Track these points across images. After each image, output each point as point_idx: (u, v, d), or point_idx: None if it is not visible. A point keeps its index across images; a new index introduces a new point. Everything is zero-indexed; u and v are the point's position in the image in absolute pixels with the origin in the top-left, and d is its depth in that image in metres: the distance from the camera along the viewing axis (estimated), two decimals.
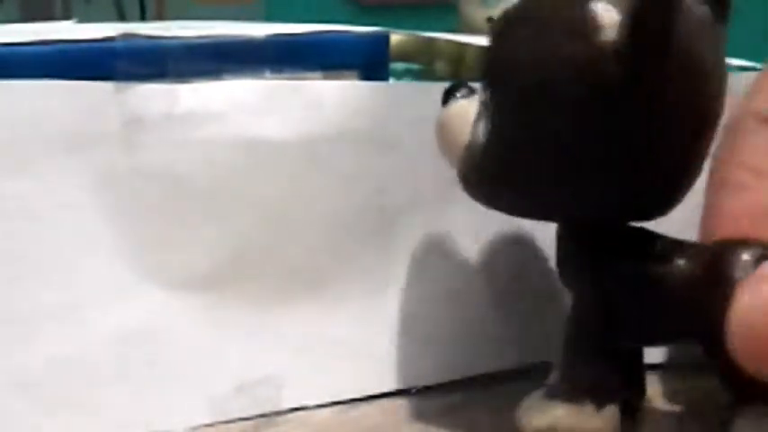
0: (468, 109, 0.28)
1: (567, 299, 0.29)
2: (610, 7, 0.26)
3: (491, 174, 0.28)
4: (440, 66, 0.59)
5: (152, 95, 0.29)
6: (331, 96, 0.31)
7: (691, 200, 0.28)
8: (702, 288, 0.27)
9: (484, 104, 0.28)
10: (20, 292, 0.29)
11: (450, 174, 0.29)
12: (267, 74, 0.32)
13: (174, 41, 0.31)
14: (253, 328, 0.31)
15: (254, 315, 0.31)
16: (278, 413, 0.31)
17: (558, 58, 0.26)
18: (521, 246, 0.30)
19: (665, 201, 0.28)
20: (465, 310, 0.33)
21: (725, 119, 0.28)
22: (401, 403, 0.31)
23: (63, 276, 0.29)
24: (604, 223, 0.28)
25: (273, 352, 0.31)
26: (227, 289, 0.31)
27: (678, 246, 0.28)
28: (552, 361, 0.29)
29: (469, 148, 0.28)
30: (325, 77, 0.32)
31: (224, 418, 0.30)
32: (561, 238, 0.29)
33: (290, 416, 0.31)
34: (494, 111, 0.28)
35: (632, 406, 0.30)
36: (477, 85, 0.28)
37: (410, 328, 0.32)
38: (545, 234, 0.30)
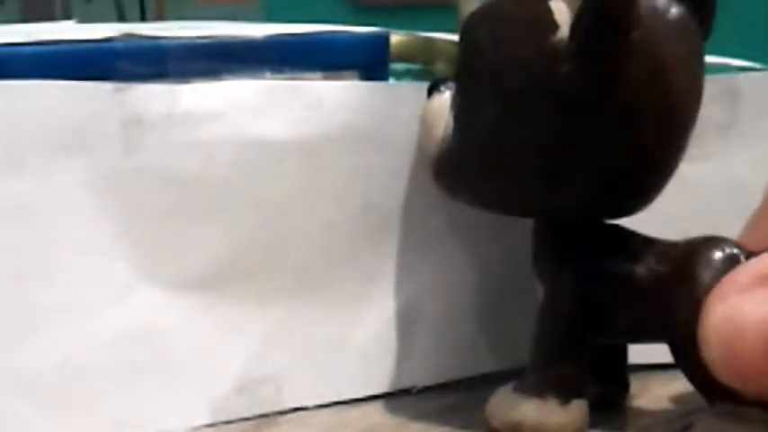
0: (446, 104, 0.29)
1: None
2: (564, 7, 0.26)
3: (460, 169, 0.29)
4: (440, 66, 0.59)
5: (152, 95, 0.29)
6: (331, 96, 0.31)
7: (686, 198, 0.28)
8: (670, 286, 0.27)
9: (454, 100, 0.29)
10: (20, 292, 0.29)
11: None
12: (267, 74, 0.32)
13: (174, 41, 0.31)
14: (253, 328, 0.31)
15: (254, 315, 0.31)
16: (278, 413, 0.31)
17: (516, 56, 0.27)
18: (520, 245, 0.30)
19: (637, 198, 0.28)
20: (465, 310, 0.33)
21: None
22: (401, 403, 0.32)
23: (63, 276, 0.29)
24: (575, 219, 0.29)
25: (273, 352, 0.31)
26: (227, 289, 0.31)
27: (650, 243, 0.28)
28: None
29: (443, 142, 0.29)
30: (325, 77, 0.32)
31: (224, 418, 0.30)
32: (535, 234, 0.30)
33: (290, 416, 0.31)
34: (462, 107, 0.28)
35: (611, 402, 0.30)
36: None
37: (410, 328, 0.32)
38: None
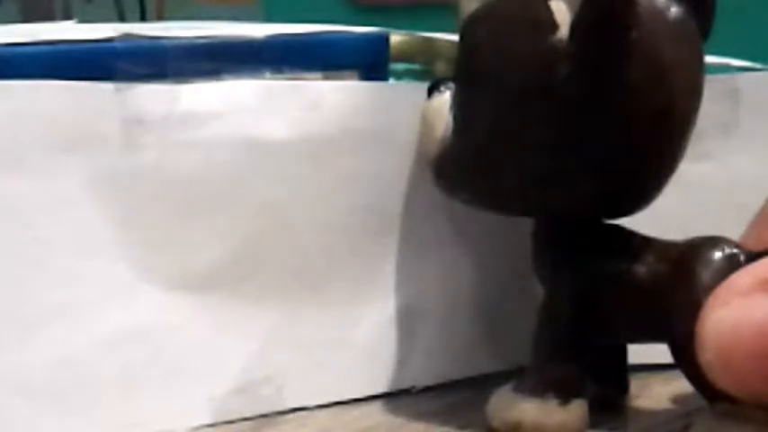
0: (446, 104, 0.29)
1: None
2: (564, 7, 0.26)
3: (460, 169, 0.29)
4: (440, 66, 0.59)
5: (152, 95, 0.29)
6: (331, 96, 0.31)
7: (686, 198, 0.28)
8: (670, 286, 0.27)
9: (454, 100, 0.29)
10: (19, 292, 0.29)
11: None
12: (267, 74, 0.32)
13: (174, 41, 0.31)
14: (253, 328, 0.31)
15: (253, 315, 0.31)
16: (278, 413, 0.31)
17: (516, 56, 0.27)
18: (521, 245, 0.30)
19: (637, 198, 0.28)
20: (465, 310, 0.33)
21: None
22: (401, 403, 0.32)
23: (63, 276, 0.29)
24: (575, 220, 0.29)
25: (273, 352, 0.31)
26: (227, 289, 0.31)
27: (649, 243, 0.28)
28: None
29: (443, 141, 0.29)
30: (325, 77, 0.32)
31: (224, 419, 0.30)
32: (535, 234, 0.30)
33: (290, 416, 0.31)
34: (462, 107, 0.28)
35: (611, 402, 0.30)
36: None
37: (410, 328, 0.32)
38: None
